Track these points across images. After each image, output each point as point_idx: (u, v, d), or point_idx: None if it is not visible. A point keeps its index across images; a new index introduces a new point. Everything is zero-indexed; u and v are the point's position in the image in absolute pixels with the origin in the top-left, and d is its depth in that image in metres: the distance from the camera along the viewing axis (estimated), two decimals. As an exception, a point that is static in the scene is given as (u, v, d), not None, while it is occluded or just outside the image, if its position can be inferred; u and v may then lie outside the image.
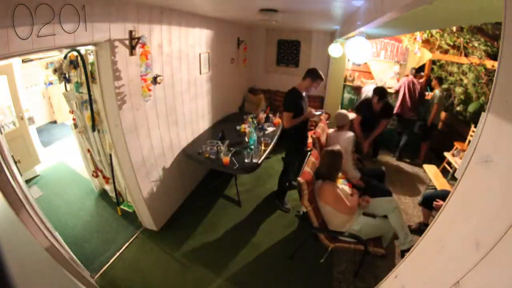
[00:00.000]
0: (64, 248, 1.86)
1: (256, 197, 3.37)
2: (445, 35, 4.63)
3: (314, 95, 5.05)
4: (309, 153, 2.55)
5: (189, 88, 3.02)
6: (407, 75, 4.70)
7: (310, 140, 3.32)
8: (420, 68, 5.17)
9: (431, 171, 3.42)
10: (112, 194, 3.02)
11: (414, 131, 4.42)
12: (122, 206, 2.97)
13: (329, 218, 2.29)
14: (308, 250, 2.50)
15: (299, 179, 2.10)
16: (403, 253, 2.40)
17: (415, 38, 4.84)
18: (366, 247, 2.11)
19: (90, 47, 2.01)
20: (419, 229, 2.84)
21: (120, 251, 2.49)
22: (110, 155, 2.53)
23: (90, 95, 2.32)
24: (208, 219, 2.97)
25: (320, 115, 3.00)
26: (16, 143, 3.33)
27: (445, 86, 4.76)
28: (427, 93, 4.81)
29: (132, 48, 2.07)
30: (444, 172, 3.75)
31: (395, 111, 4.36)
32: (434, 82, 4.40)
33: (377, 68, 5.40)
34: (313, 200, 2.22)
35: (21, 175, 1.66)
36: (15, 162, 1.68)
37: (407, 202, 3.41)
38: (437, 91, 4.18)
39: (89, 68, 2.26)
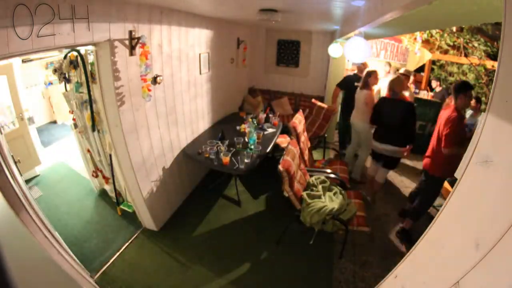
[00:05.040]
0: (64, 248, 1.86)
1: (257, 197, 3.37)
2: (445, 35, 4.64)
3: (314, 95, 5.06)
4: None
5: (189, 88, 3.02)
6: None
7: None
8: (420, 68, 5.18)
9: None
10: (112, 194, 3.02)
11: None
12: (122, 206, 2.97)
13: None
14: (307, 249, 2.51)
15: (280, 167, 2.24)
16: None
17: (415, 38, 4.86)
18: (347, 227, 2.31)
19: (90, 47, 2.01)
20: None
21: (120, 251, 2.49)
22: (110, 155, 2.53)
23: (90, 95, 2.32)
24: (208, 219, 2.97)
25: None
26: (16, 143, 3.33)
27: (444, 86, 4.76)
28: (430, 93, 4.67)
29: (132, 48, 2.07)
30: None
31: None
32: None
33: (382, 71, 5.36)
34: (293, 185, 2.38)
35: (21, 175, 1.66)
36: (15, 162, 1.69)
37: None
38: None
39: (89, 68, 2.26)
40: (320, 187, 2.59)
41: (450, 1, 1.17)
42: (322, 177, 2.72)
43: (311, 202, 2.39)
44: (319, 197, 2.47)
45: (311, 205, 2.36)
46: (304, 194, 2.47)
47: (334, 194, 2.53)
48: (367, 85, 3.46)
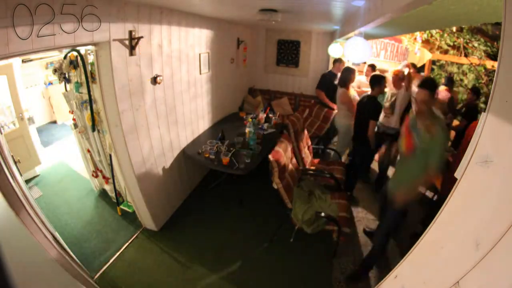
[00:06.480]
0: (64, 248, 1.86)
1: (257, 197, 3.37)
2: (445, 35, 4.65)
3: (314, 95, 5.06)
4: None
5: (189, 88, 3.02)
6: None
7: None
8: (420, 68, 5.17)
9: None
10: (112, 194, 3.02)
11: None
12: (122, 206, 2.97)
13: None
14: (307, 249, 2.51)
15: (270, 157, 2.28)
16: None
17: (415, 38, 4.86)
18: (340, 226, 2.27)
19: (90, 47, 2.01)
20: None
21: (120, 251, 2.49)
22: (110, 155, 2.53)
23: (90, 95, 2.32)
24: (208, 219, 2.96)
25: None
26: (16, 143, 3.33)
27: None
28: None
29: (132, 48, 2.07)
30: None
31: None
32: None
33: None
34: (283, 178, 2.41)
35: (21, 175, 1.66)
36: (15, 162, 1.69)
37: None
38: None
39: (89, 68, 2.26)
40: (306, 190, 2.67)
41: (450, 1, 1.17)
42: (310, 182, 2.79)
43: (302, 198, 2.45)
44: (306, 197, 2.55)
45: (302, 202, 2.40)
46: (295, 189, 2.52)
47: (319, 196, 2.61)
48: (343, 83, 3.47)
